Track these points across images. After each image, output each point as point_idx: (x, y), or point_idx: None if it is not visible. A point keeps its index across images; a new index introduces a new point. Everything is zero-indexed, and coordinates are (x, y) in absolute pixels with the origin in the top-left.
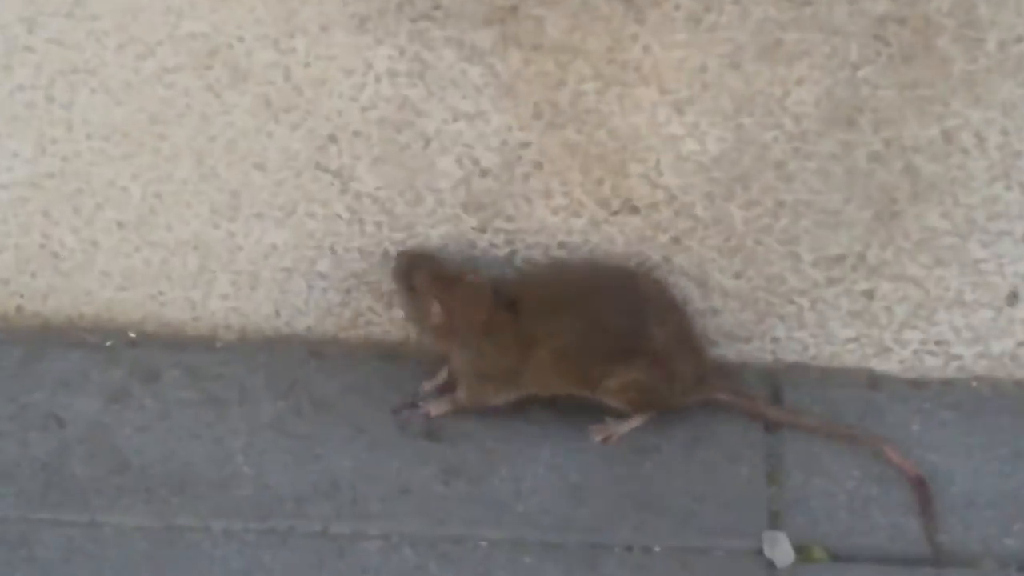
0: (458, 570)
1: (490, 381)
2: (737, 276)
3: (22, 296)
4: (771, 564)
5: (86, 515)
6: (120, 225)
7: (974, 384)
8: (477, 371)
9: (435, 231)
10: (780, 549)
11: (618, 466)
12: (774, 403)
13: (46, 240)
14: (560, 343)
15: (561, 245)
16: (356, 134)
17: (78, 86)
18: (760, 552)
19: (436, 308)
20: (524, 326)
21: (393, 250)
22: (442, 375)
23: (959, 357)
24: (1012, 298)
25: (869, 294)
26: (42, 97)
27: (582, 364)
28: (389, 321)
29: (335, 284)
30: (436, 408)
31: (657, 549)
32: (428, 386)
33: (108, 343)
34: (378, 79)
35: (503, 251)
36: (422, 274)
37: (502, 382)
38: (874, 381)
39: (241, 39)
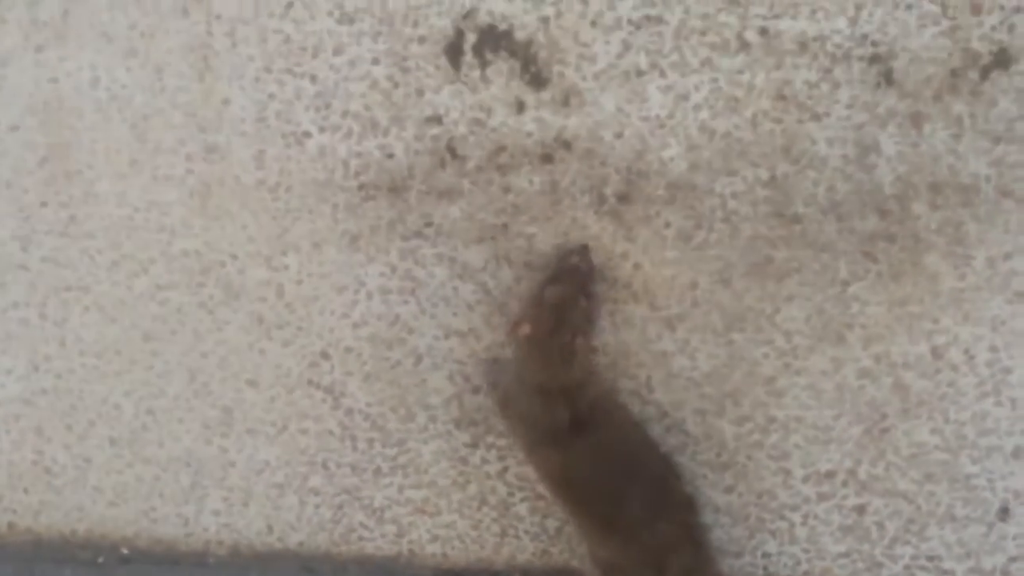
0: None
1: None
2: (728, 491)
3: (15, 512)
4: None
5: None
6: (112, 441)
7: None
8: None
9: (427, 447)
10: None
11: None
12: None
13: (39, 456)
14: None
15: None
16: (348, 350)
17: (71, 304)
18: None
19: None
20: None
21: (385, 466)
22: None
23: (951, 572)
24: (1003, 513)
25: (860, 509)
26: (36, 315)
27: (629, 515)
28: (381, 536)
29: (327, 500)
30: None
31: None
32: None
33: (100, 559)
34: (370, 296)
35: (494, 467)
36: None
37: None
38: None
39: (234, 257)
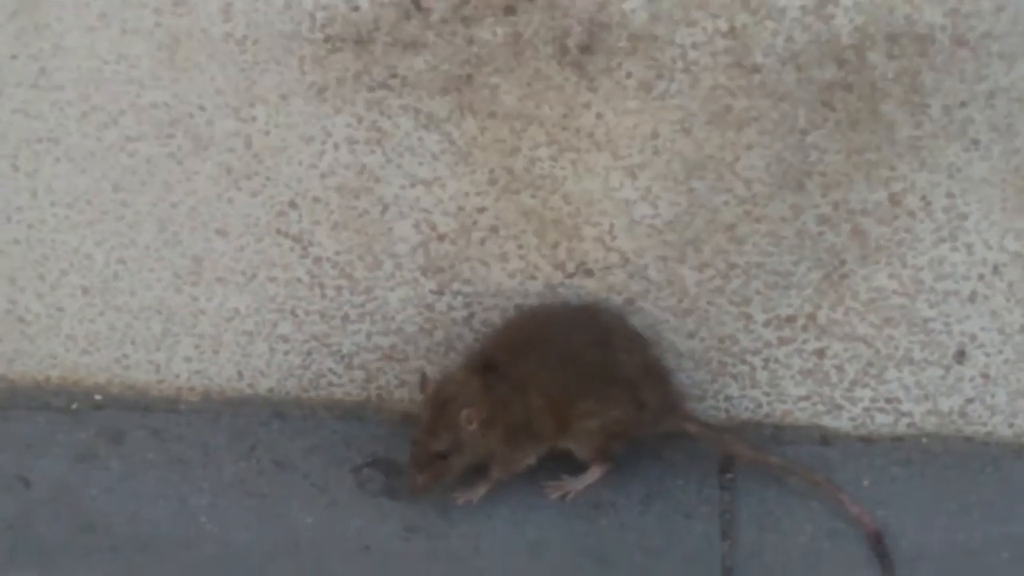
0: None
1: (517, 448)
2: (690, 336)
3: None
4: None
5: (53, 574)
6: (85, 290)
7: (924, 441)
8: (507, 446)
9: (394, 294)
10: None
11: (575, 522)
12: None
13: (12, 305)
14: (543, 381)
15: (518, 307)
16: (316, 200)
17: (42, 155)
18: None
19: (465, 416)
20: (513, 380)
21: (353, 313)
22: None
23: (909, 414)
24: (960, 356)
25: (820, 353)
26: (8, 166)
27: (565, 400)
28: (349, 382)
29: (296, 346)
30: (474, 494)
31: None
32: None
33: (74, 406)
34: (336, 147)
35: (461, 313)
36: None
37: (525, 442)
38: (826, 438)
39: (202, 108)
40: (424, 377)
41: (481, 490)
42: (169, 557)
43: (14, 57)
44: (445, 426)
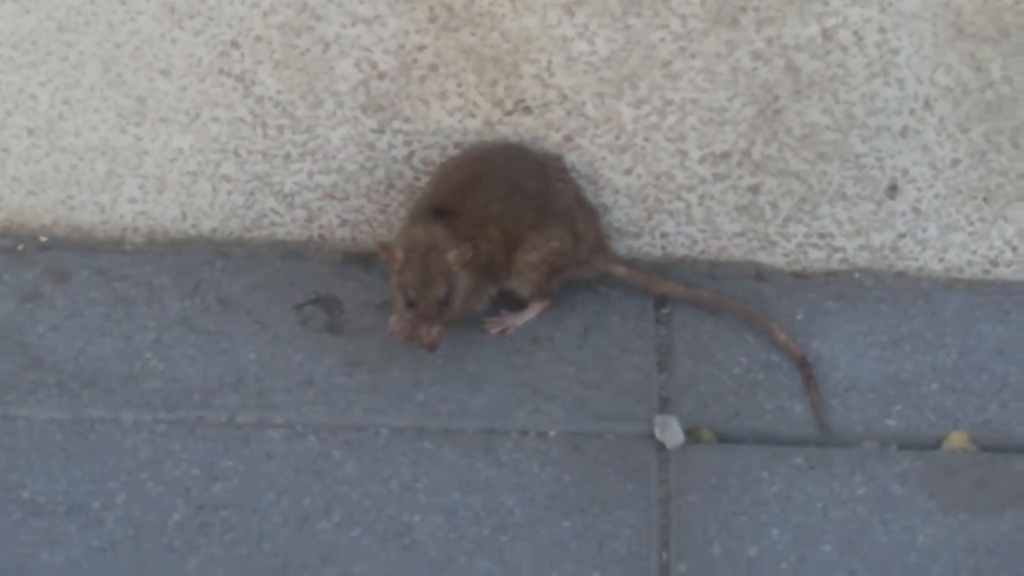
0: (360, 457)
1: (480, 286)
2: (627, 173)
3: None
4: (662, 446)
5: (0, 409)
6: (30, 132)
7: (856, 275)
8: (472, 285)
9: (335, 133)
10: (670, 432)
11: (513, 356)
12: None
13: None
14: (497, 215)
15: (457, 145)
16: (258, 39)
17: None
18: (651, 436)
19: (455, 256)
20: (470, 220)
21: (295, 152)
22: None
23: (842, 249)
24: (892, 191)
25: (755, 189)
26: None
27: (516, 234)
28: (291, 221)
29: (239, 186)
30: (436, 333)
31: (552, 434)
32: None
33: (20, 247)
34: None
35: (401, 152)
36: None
37: (485, 280)
38: (760, 273)
39: None
40: (384, 245)
41: (437, 331)
42: (115, 392)
43: None
44: (438, 273)
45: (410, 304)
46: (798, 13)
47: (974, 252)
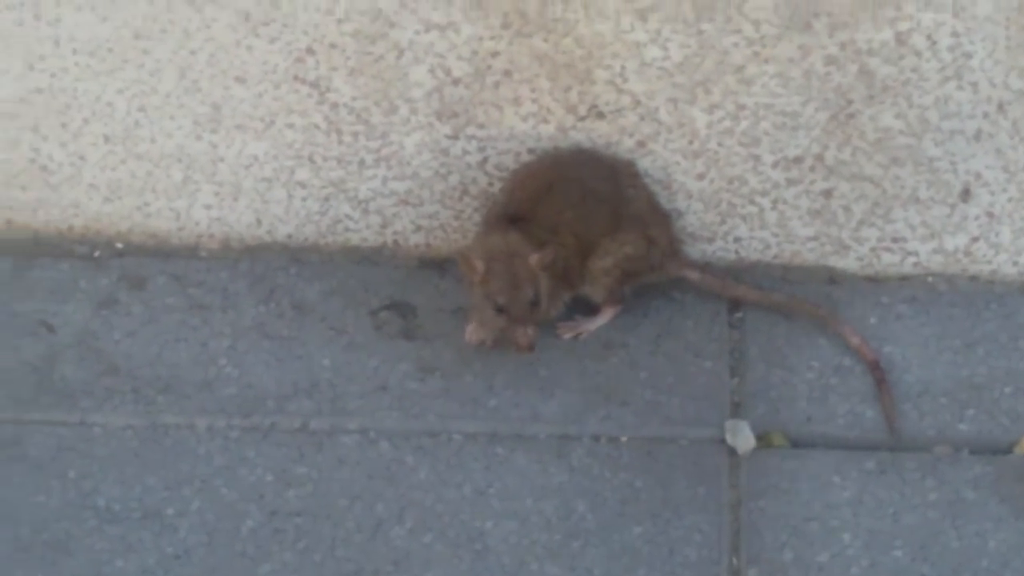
0: (433, 462)
1: (555, 291)
2: (700, 178)
3: (12, 209)
4: (733, 451)
5: (76, 415)
6: (106, 139)
7: (929, 279)
8: (550, 290)
9: (409, 139)
10: (741, 436)
11: (586, 361)
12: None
13: (35, 155)
14: (571, 221)
15: (531, 151)
16: (332, 46)
17: (64, 3)
18: (723, 440)
19: (537, 260)
20: (545, 225)
21: (370, 159)
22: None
23: (915, 253)
24: (965, 195)
25: (827, 193)
26: (30, 15)
27: (590, 239)
28: (366, 227)
29: (314, 192)
30: (532, 333)
31: (624, 439)
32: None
33: (96, 253)
34: None
35: (475, 157)
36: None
37: (561, 286)
38: (833, 277)
39: None
40: (464, 256)
41: (530, 333)
42: (190, 398)
43: None
44: (524, 277)
45: (500, 310)
46: (871, 18)
47: None
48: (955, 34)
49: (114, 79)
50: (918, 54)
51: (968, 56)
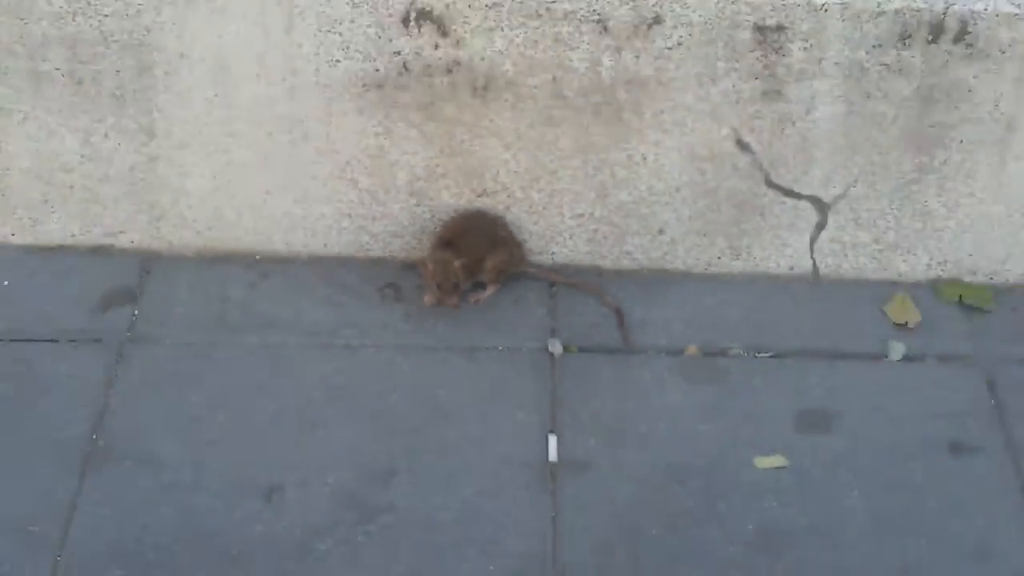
0: (408, 360)
1: (466, 279)
2: (535, 224)
3: None
4: (552, 355)
5: None
6: None
7: (645, 272)
8: (464, 278)
9: (397, 206)
10: (555, 346)
11: (478, 311)
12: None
13: None
14: (474, 247)
15: (455, 210)
16: (357, 161)
17: None
18: (546, 349)
19: (458, 265)
20: (463, 249)
21: (378, 214)
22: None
23: (638, 258)
24: (660, 232)
25: (594, 231)
26: None
27: (478, 254)
28: (377, 247)
29: (351, 228)
30: (455, 300)
31: (500, 348)
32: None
33: None
34: None
35: (428, 214)
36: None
37: (468, 275)
38: (599, 272)
39: None
40: (421, 261)
41: (456, 299)
42: None
43: None
44: (452, 272)
45: (439, 287)
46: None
47: None
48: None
49: None
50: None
51: None
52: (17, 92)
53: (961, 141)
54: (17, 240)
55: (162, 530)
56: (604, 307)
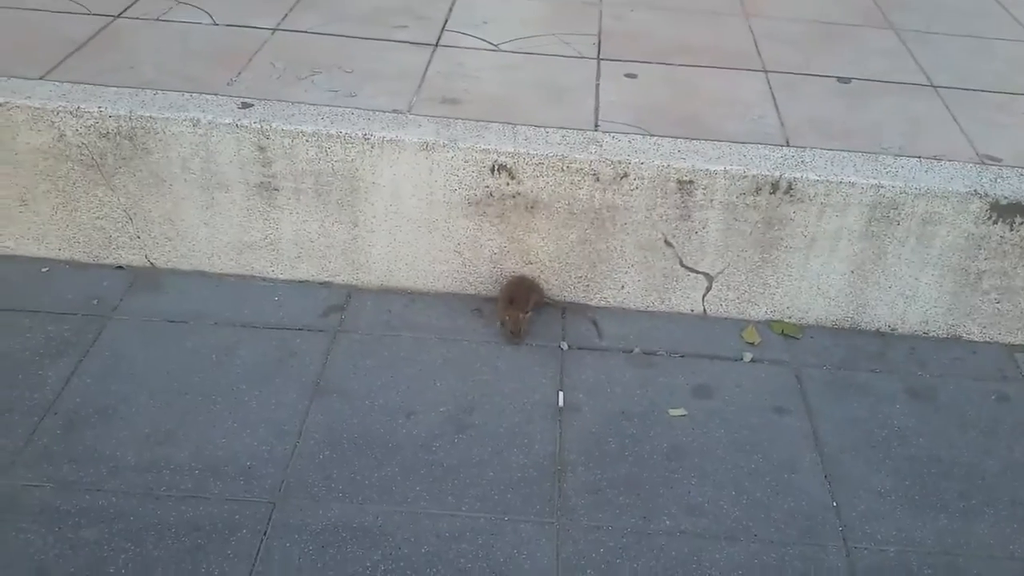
0: (467, 352)
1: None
2: (552, 285)
3: None
4: (563, 351)
5: None
6: None
7: (604, 307)
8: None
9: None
10: (564, 345)
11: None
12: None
13: None
14: (521, 297)
15: (511, 273)
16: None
17: None
18: (559, 347)
19: (525, 317)
20: (519, 303)
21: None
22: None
23: (605, 297)
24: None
25: (581, 277)
26: None
27: (526, 300)
28: (464, 286)
29: (453, 277)
30: (523, 335)
31: (530, 345)
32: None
33: None
34: None
35: (493, 276)
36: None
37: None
38: (587, 300)
39: None
40: (500, 316)
41: (523, 338)
42: None
43: None
44: (523, 323)
45: (513, 333)
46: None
47: None
48: None
49: None
50: None
51: None
52: (286, 199)
53: (785, 247)
54: (283, 276)
55: (352, 431)
56: (588, 320)
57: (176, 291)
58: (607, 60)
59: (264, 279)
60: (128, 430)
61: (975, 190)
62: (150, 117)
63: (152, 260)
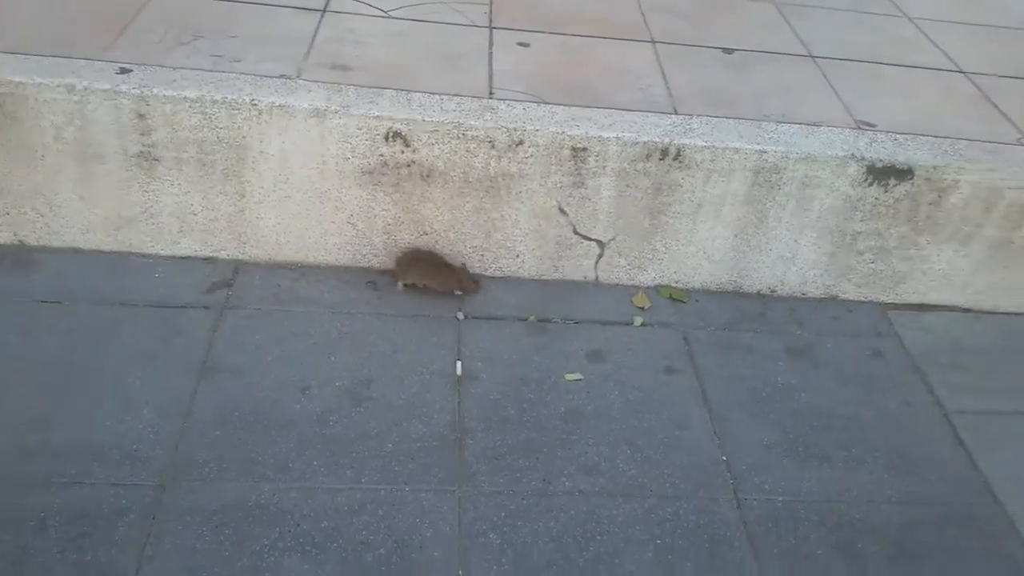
0: (372, 322)
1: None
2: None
3: None
4: (458, 320)
5: None
6: None
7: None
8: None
9: (379, 240)
10: (460, 315)
11: (429, 298)
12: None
13: None
14: (425, 261)
15: (408, 245)
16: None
17: None
18: (455, 317)
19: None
20: (425, 264)
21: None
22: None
23: (501, 267)
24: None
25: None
26: None
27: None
28: (367, 259)
29: (348, 250)
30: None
31: (454, 315)
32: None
33: None
34: None
35: (384, 244)
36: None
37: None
38: (483, 273)
39: None
40: (394, 270)
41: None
42: None
43: None
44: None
45: (475, 282)
46: None
47: None
48: None
49: None
50: None
51: None
52: (167, 170)
53: (674, 213)
54: (164, 252)
55: (244, 409)
56: (476, 283)
57: (49, 270)
58: (499, 29)
59: (144, 255)
60: (1, 416)
61: (852, 154)
62: (20, 83)
63: (21, 238)
